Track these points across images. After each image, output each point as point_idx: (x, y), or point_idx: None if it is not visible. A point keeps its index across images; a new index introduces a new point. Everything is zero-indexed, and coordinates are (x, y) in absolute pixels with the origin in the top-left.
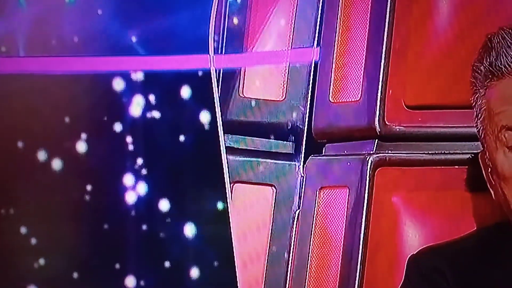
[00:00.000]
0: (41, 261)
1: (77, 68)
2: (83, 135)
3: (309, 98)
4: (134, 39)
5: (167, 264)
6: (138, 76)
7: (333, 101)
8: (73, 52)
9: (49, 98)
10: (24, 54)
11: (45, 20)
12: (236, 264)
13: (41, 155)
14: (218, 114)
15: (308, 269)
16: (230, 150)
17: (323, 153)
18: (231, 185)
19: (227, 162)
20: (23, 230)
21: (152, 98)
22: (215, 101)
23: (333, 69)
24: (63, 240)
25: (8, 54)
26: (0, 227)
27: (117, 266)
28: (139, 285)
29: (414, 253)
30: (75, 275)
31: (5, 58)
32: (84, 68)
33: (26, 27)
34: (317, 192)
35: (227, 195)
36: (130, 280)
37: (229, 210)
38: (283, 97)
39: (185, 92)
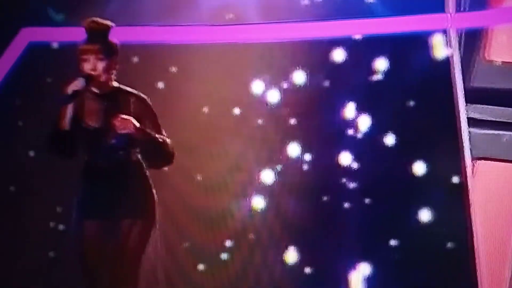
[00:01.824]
0: (252, 236)
1: (305, 34)
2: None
3: None
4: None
5: (393, 242)
6: (365, 38)
7: None
8: (303, 17)
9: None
10: (258, 20)
11: None
12: (474, 247)
13: (227, 124)
14: (458, 81)
15: None
16: (472, 121)
17: None
18: (472, 161)
19: (469, 135)
20: (238, 199)
21: (383, 60)
22: (455, 65)
23: None
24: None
25: (236, 21)
26: (195, 195)
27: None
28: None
29: None
30: (292, 248)
31: (232, 26)
32: (313, 34)
33: None
34: None
35: (465, 171)
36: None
37: (468, 188)
38: None
39: (417, 54)
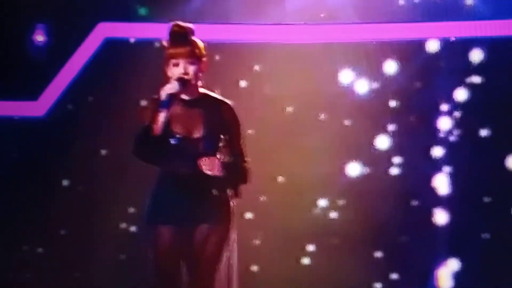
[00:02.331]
0: (335, 241)
1: (401, 35)
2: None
3: None
4: (468, 2)
5: (484, 240)
6: (462, 40)
7: None
8: (398, 17)
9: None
10: (356, 20)
11: None
12: None
13: (312, 124)
14: None
15: None
16: None
17: None
18: None
19: None
20: (322, 203)
21: (477, 62)
22: None
23: None
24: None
25: (329, 20)
26: (276, 197)
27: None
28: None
29: None
30: (378, 254)
31: (323, 25)
32: (409, 34)
33: None
34: None
35: None
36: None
37: None
38: None
39: None
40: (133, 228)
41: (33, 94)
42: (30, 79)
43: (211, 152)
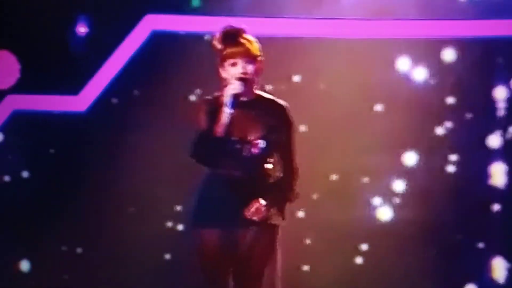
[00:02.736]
0: (389, 239)
1: (461, 32)
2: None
3: None
4: None
5: None
6: None
7: None
8: (460, 15)
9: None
10: (415, 16)
11: None
12: None
13: (367, 121)
14: None
15: None
16: None
17: None
18: None
19: None
20: (375, 201)
21: None
22: None
23: None
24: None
25: (387, 16)
26: (328, 196)
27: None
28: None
29: None
30: (433, 252)
31: (379, 21)
32: (469, 32)
33: None
34: None
35: None
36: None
37: None
38: None
39: None
40: (179, 227)
41: (74, 88)
42: (72, 73)
43: (264, 155)
